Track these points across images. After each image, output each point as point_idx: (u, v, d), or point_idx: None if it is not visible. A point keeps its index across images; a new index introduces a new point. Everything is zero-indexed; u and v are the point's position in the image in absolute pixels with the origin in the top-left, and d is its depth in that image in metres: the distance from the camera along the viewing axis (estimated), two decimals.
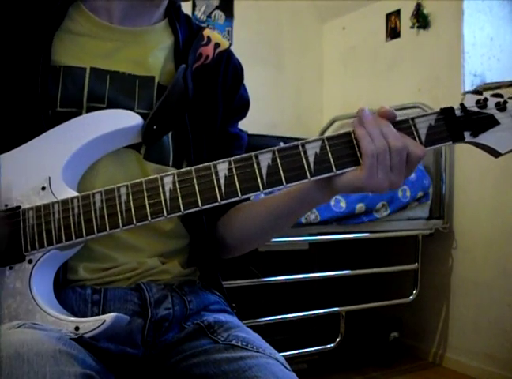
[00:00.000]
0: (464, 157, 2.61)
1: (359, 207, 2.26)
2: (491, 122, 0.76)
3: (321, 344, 2.33)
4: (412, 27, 2.83)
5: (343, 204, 2.21)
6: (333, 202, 2.19)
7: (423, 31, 2.79)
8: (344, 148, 0.75)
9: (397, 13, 2.95)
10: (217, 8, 3.07)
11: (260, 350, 0.78)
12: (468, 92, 0.79)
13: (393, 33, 2.99)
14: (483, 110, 0.76)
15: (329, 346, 2.34)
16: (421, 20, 2.77)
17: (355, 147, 0.75)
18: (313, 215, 2.14)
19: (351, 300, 2.52)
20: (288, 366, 0.78)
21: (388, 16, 3.01)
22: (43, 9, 0.87)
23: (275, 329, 2.28)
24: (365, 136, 0.73)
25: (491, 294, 2.47)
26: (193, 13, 2.97)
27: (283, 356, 0.80)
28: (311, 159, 0.74)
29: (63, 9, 0.88)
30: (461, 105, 0.76)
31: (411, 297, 2.57)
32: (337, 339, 2.35)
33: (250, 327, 0.88)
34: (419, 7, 2.77)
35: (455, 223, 2.64)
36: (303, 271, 2.34)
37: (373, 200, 2.30)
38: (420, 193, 2.47)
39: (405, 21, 2.89)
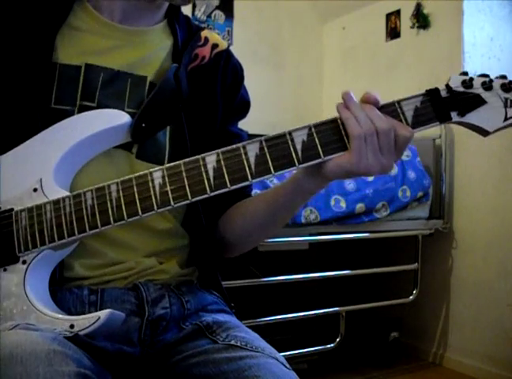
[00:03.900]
0: (465, 157, 2.61)
1: (359, 207, 2.26)
2: (477, 101, 0.76)
3: (321, 344, 2.33)
4: (412, 27, 2.83)
5: (343, 204, 2.21)
6: (333, 202, 2.19)
7: (423, 31, 2.79)
8: (331, 134, 0.75)
9: (397, 13, 2.96)
10: (217, 8, 3.07)
11: (259, 349, 0.78)
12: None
13: (393, 33, 2.99)
14: (469, 90, 0.76)
15: (329, 346, 2.34)
16: (421, 20, 2.77)
17: (342, 132, 0.75)
18: (313, 215, 2.14)
19: (351, 300, 2.52)
20: (287, 365, 0.78)
21: (388, 16, 3.01)
22: (49, 5, 0.87)
23: (275, 329, 2.28)
24: (351, 118, 0.74)
25: (491, 295, 2.47)
26: (193, 13, 2.97)
27: (283, 356, 0.80)
28: (299, 147, 0.75)
29: (68, 5, 0.88)
30: (447, 85, 0.77)
31: (411, 297, 2.57)
32: (337, 339, 2.35)
33: (249, 327, 0.88)
34: (419, 7, 2.77)
35: (455, 223, 2.64)
36: (303, 271, 2.34)
37: (373, 200, 2.30)
38: (420, 193, 2.47)
39: (405, 21, 2.89)
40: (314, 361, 2.48)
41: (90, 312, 0.80)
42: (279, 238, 2.12)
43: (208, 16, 3.04)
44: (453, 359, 2.62)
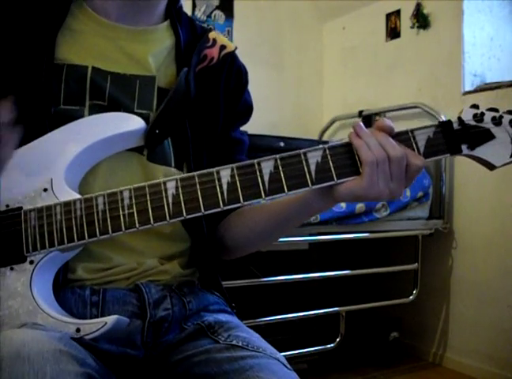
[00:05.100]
0: (464, 157, 2.61)
1: (359, 207, 2.26)
2: (487, 136, 0.79)
3: (321, 344, 2.33)
4: (412, 27, 2.83)
5: (343, 204, 2.21)
6: None
7: (423, 31, 2.79)
8: (345, 158, 0.76)
9: (397, 13, 2.95)
10: (217, 8, 3.07)
11: (260, 349, 0.78)
12: (468, 92, 0.81)
13: (393, 33, 2.99)
14: (480, 124, 0.79)
15: (329, 346, 2.34)
16: (421, 20, 2.77)
17: (356, 156, 0.76)
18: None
19: (351, 300, 2.52)
20: (288, 366, 0.78)
21: (388, 16, 3.01)
22: (46, 7, 0.87)
23: (275, 329, 2.27)
24: (363, 145, 0.75)
25: (491, 295, 2.47)
26: (193, 13, 2.97)
27: (283, 356, 0.80)
28: (313, 168, 0.75)
29: (66, 7, 0.88)
30: (459, 118, 0.79)
31: (411, 297, 2.57)
32: (337, 339, 2.35)
33: (250, 327, 0.88)
34: (419, 7, 2.77)
35: (455, 223, 2.64)
36: (303, 271, 2.34)
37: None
38: (420, 193, 2.47)
39: (405, 21, 2.89)
40: (314, 361, 2.47)
41: (92, 312, 0.80)
42: None
43: (208, 16, 3.04)
44: (453, 359, 2.62)
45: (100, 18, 0.89)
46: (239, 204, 0.75)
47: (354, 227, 2.31)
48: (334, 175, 0.75)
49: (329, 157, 0.76)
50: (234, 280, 2.02)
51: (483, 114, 0.79)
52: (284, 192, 0.75)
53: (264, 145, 2.25)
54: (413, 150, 0.77)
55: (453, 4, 2.63)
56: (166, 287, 0.87)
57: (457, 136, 0.78)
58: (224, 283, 0.98)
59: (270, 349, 0.80)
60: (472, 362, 2.53)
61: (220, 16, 3.08)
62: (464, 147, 0.79)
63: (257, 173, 0.75)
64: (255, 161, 0.76)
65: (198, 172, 0.76)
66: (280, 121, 3.24)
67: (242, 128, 1.04)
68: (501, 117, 0.79)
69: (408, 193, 2.41)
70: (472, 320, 2.55)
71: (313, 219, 2.14)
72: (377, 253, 2.86)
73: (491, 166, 0.81)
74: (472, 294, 2.56)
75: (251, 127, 1.26)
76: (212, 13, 3.05)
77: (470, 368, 2.53)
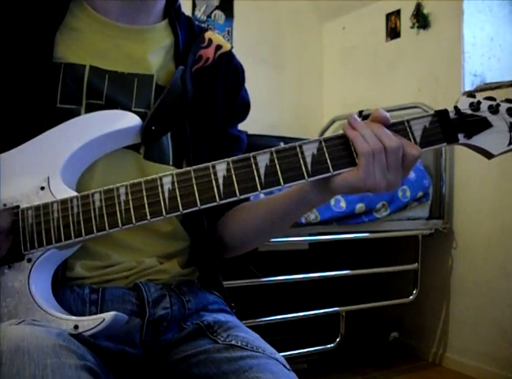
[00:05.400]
0: (465, 157, 2.61)
1: (359, 207, 2.26)
2: (484, 125, 0.78)
3: (321, 344, 2.33)
4: (412, 27, 2.83)
5: (343, 204, 2.21)
6: (333, 202, 2.18)
7: (423, 31, 2.79)
8: (340, 149, 0.76)
9: (397, 13, 2.95)
10: (217, 8, 3.07)
11: (260, 350, 0.78)
12: (465, 92, 0.80)
13: (393, 33, 2.99)
14: (477, 113, 0.78)
15: (329, 346, 2.34)
16: (421, 20, 2.77)
17: (352, 148, 0.75)
18: (313, 215, 2.14)
19: (351, 300, 2.52)
20: (287, 366, 0.78)
21: (388, 16, 3.01)
22: (45, 5, 0.87)
23: (275, 329, 2.27)
24: (358, 137, 0.75)
25: (491, 295, 2.47)
26: (193, 13, 2.97)
27: (283, 356, 0.80)
28: (308, 160, 0.75)
29: (65, 5, 0.89)
30: (455, 107, 0.78)
31: (411, 297, 2.57)
32: (337, 339, 2.35)
33: (250, 327, 0.88)
34: (419, 7, 2.77)
35: (455, 223, 2.64)
36: (303, 271, 2.34)
37: (373, 200, 2.30)
38: (420, 193, 2.47)
39: (405, 21, 2.89)
40: (314, 361, 2.47)
41: (91, 311, 0.81)
42: (279, 238, 2.12)
43: (208, 16, 3.03)
44: (453, 359, 2.62)
45: (100, 17, 0.90)
46: (235, 198, 0.75)
47: (354, 227, 2.31)
48: (330, 167, 0.75)
49: (324, 149, 0.75)
50: (234, 280, 2.02)
51: (479, 102, 0.78)
52: (280, 185, 0.75)
53: (264, 145, 2.24)
54: (409, 140, 0.76)
55: (453, 4, 2.64)
56: (165, 286, 0.87)
57: (454, 125, 0.77)
58: (224, 283, 0.98)
59: (269, 349, 0.80)
60: (472, 362, 2.53)
61: (220, 16, 3.08)
62: (460, 136, 0.77)
63: (253, 166, 0.75)
64: (251, 155, 0.76)
65: (194, 167, 0.76)
66: (279, 122, 3.24)
67: (243, 128, 1.04)
68: (498, 105, 0.78)
69: (408, 193, 2.41)
70: (472, 320, 2.55)
71: (313, 219, 2.14)
72: (377, 253, 2.86)
73: (488, 155, 0.80)
74: (472, 294, 2.56)
75: (251, 127, 1.27)
76: (212, 13, 3.05)
77: (470, 368, 2.53)
